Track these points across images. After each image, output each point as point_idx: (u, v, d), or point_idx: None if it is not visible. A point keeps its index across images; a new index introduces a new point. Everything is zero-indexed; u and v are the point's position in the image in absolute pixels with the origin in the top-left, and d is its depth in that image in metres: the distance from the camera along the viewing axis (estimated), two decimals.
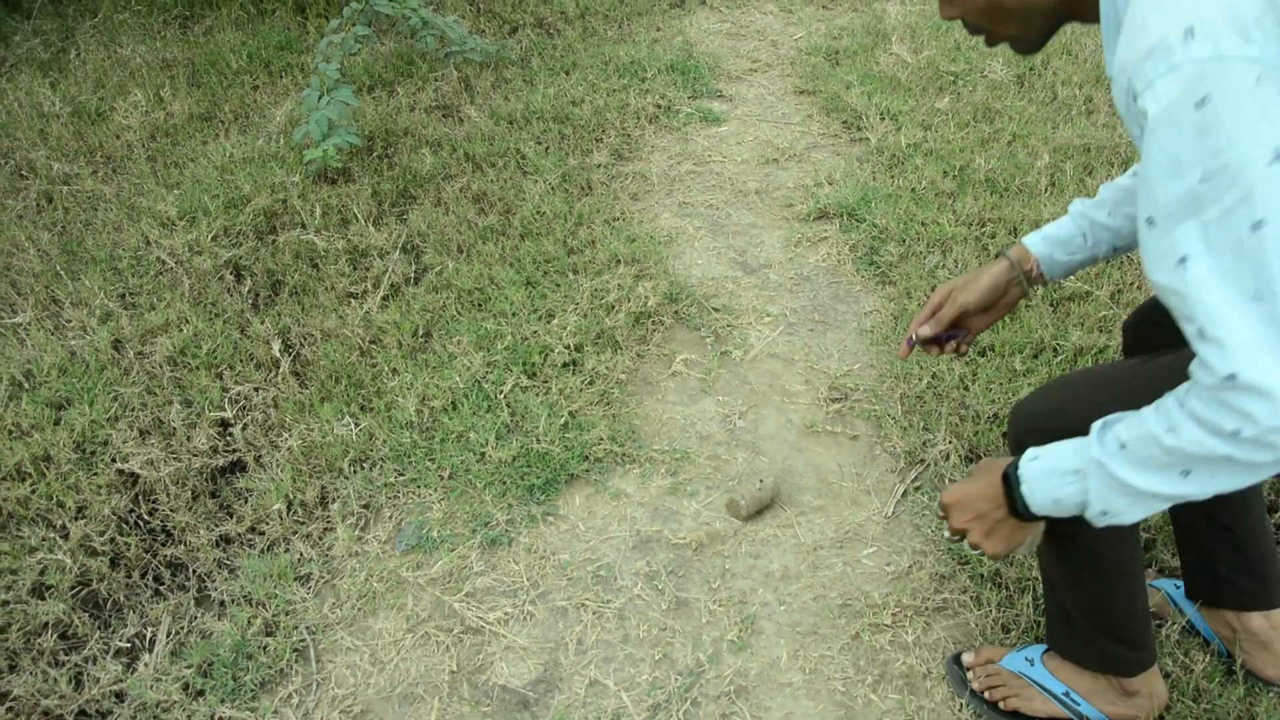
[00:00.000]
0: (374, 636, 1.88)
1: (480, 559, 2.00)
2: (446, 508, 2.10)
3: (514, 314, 2.52)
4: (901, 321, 2.50)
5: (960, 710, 1.72)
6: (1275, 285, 0.95)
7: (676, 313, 2.58)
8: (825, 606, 1.89)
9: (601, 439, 2.21)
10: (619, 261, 2.70)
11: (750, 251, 2.83)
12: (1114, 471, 1.15)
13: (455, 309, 2.57)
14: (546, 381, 2.35)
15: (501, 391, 2.30)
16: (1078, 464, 1.20)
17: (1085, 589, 1.53)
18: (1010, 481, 1.30)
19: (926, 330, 1.62)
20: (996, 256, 1.61)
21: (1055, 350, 2.37)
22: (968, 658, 1.77)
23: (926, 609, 1.87)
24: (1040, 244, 1.59)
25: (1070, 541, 1.46)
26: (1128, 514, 1.18)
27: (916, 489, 2.11)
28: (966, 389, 2.28)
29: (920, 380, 2.31)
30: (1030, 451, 1.27)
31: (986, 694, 1.72)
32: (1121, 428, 1.15)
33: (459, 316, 2.55)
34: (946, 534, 1.73)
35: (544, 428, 2.21)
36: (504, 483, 2.13)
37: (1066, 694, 1.68)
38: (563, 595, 1.93)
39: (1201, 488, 1.10)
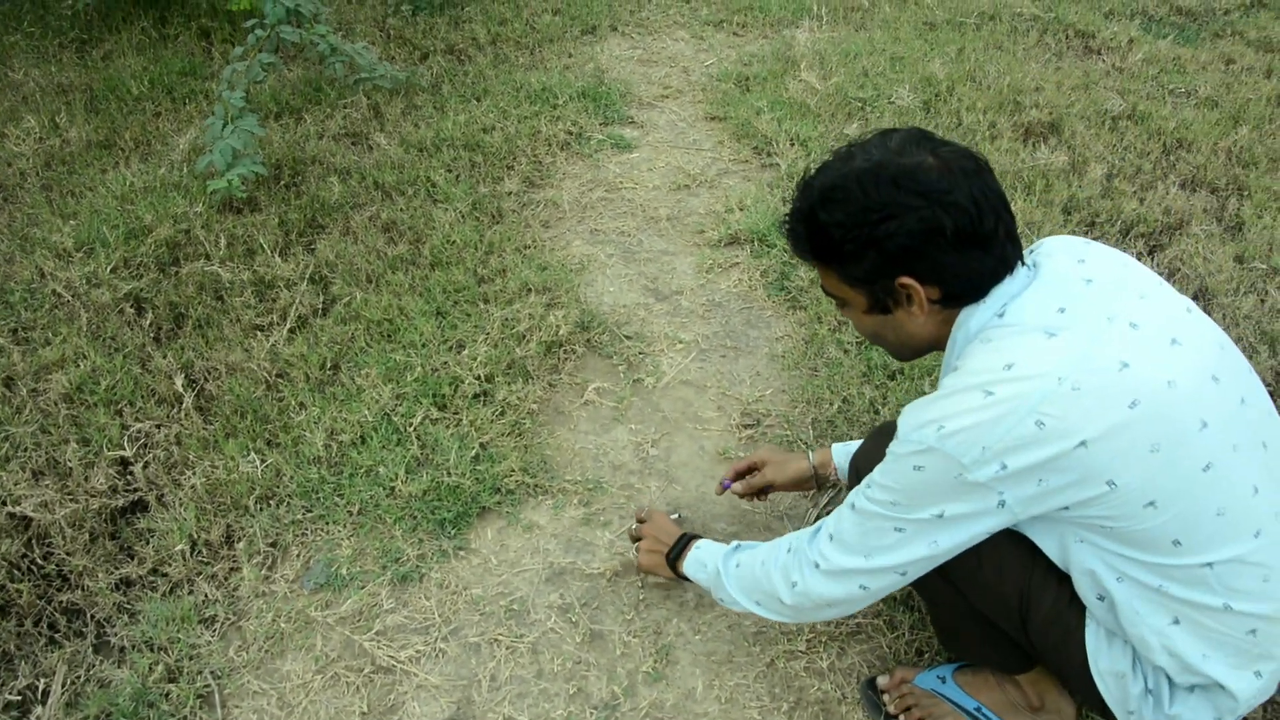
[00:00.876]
0: (282, 679, 1.83)
1: (391, 596, 1.97)
2: (356, 544, 2.07)
3: (424, 345, 2.50)
4: (812, 346, 2.54)
5: None
6: (875, 552, 1.41)
7: (588, 341, 2.58)
8: (740, 635, 1.90)
9: (513, 470, 2.19)
10: (530, 290, 2.70)
11: (662, 278, 2.85)
12: (724, 583, 1.65)
13: (364, 340, 2.53)
14: (457, 413, 2.33)
15: (411, 424, 2.28)
16: (709, 565, 1.71)
17: (952, 602, 1.58)
18: (682, 544, 1.81)
19: (739, 487, 2.04)
20: (809, 447, 2.11)
21: None
22: (882, 680, 1.80)
23: (840, 634, 1.89)
24: (842, 456, 1.98)
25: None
26: (733, 608, 1.66)
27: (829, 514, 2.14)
28: (877, 413, 2.31)
29: (831, 405, 2.35)
30: (700, 542, 1.79)
31: (901, 717, 1.74)
32: (745, 554, 1.65)
33: (368, 348, 2.51)
34: (632, 530, 1.96)
35: (455, 460, 2.19)
36: (414, 517, 2.10)
37: (978, 709, 1.72)
38: (475, 631, 1.91)
39: (763, 614, 1.60)
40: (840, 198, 1.35)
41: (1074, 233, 2.89)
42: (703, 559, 1.74)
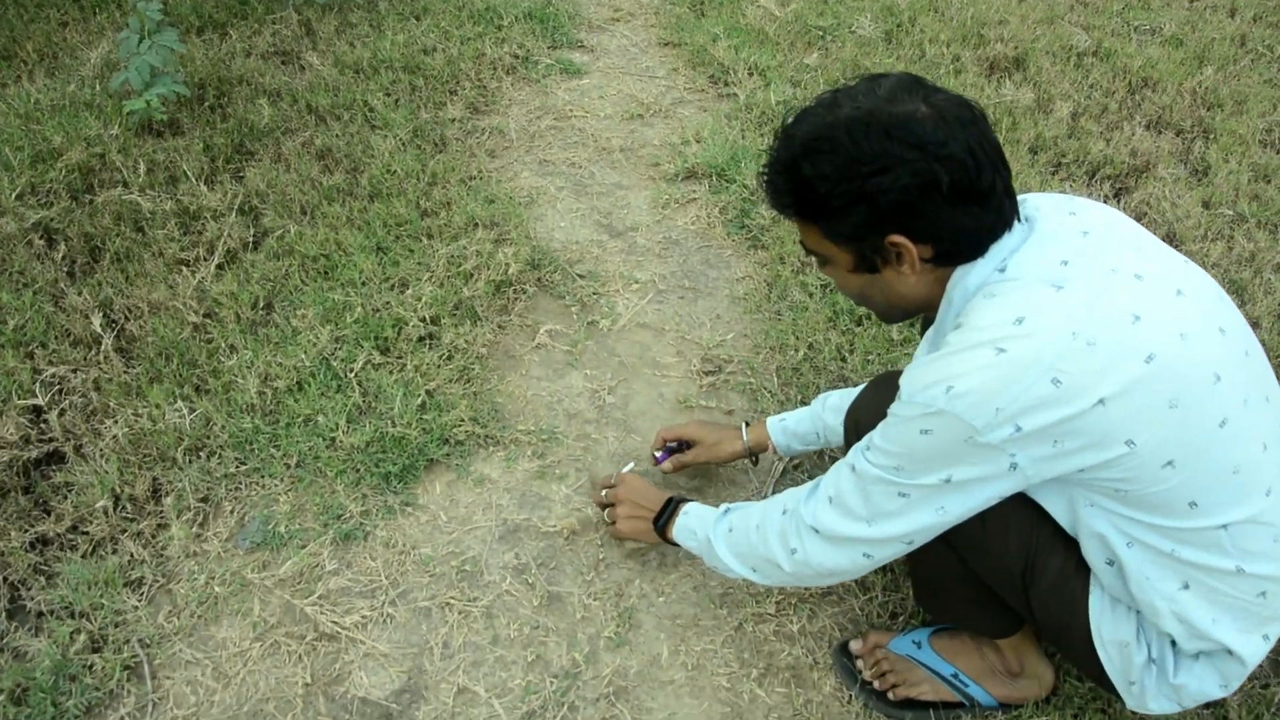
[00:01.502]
0: (217, 647, 1.71)
1: (333, 556, 1.84)
2: (294, 500, 1.93)
3: (364, 283, 2.34)
4: (775, 289, 2.43)
5: (850, 703, 1.67)
6: (878, 518, 1.33)
7: (539, 280, 2.44)
8: (706, 597, 1.82)
9: (462, 420, 2.06)
10: (477, 225, 2.54)
11: (616, 213, 2.71)
12: (716, 548, 1.57)
13: (299, 278, 2.36)
14: (401, 358, 2.18)
15: (352, 369, 2.13)
16: (700, 532, 1.62)
17: (943, 565, 1.50)
18: (670, 509, 1.72)
19: (668, 465, 1.99)
20: (744, 423, 1.97)
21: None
22: (855, 645, 1.73)
23: (811, 596, 1.82)
24: (780, 434, 1.91)
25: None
26: (728, 575, 1.58)
27: (795, 467, 2.05)
28: (844, 360, 2.22)
29: (796, 352, 2.25)
30: (689, 506, 1.69)
31: (876, 683, 1.68)
32: (737, 516, 1.57)
33: (303, 286, 2.34)
34: (600, 494, 1.88)
35: (399, 409, 2.05)
36: (357, 470, 1.97)
37: (955, 675, 1.66)
38: (425, 594, 1.79)
39: (760, 580, 1.54)
40: (827, 149, 1.23)
41: (1041, 174, 2.80)
42: (692, 526, 1.65)
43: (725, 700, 1.67)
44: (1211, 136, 3.02)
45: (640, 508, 1.77)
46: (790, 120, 1.31)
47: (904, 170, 1.20)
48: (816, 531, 1.39)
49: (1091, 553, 1.33)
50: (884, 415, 1.34)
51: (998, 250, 1.27)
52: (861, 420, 1.50)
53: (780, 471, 2.01)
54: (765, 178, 1.33)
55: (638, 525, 1.77)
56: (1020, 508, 1.35)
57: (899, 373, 1.54)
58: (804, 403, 2.14)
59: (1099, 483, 1.24)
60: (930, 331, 1.40)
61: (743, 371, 2.25)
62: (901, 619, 1.79)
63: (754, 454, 1.96)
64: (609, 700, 1.65)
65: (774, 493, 2.00)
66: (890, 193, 1.21)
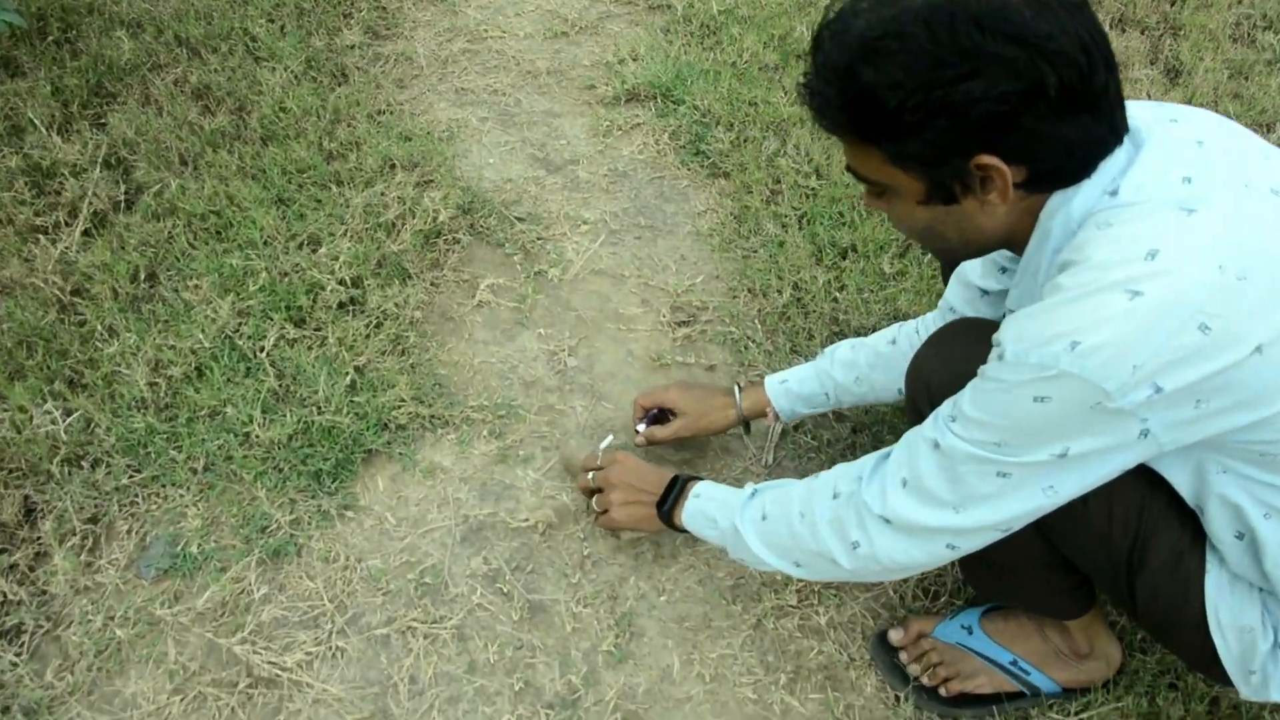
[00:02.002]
0: (125, 706, 1.37)
1: (262, 579, 1.51)
2: (206, 512, 1.58)
3: (266, 243, 1.96)
4: (744, 223, 2.13)
5: (898, 704, 1.43)
6: (970, 504, 1.06)
7: (473, 227, 2.10)
8: (714, 591, 1.54)
9: (401, 400, 1.73)
10: (394, 166, 2.17)
11: (551, 145, 2.36)
12: (746, 540, 1.29)
13: (186, 240, 1.97)
14: (320, 329, 1.83)
15: (262, 348, 1.77)
16: (722, 521, 1.34)
17: (1017, 543, 1.25)
18: (676, 491, 1.43)
19: (641, 439, 1.69)
20: (736, 386, 1.70)
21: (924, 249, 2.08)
22: (895, 635, 1.49)
23: (833, 581, 1.56)
24: (783, 397, 1.65)
25: None
26: (760, 568, 1.31)
27: (797, 429, 1.78)
28: (835, 300, 1.95)
29: (780, 293, 1.97)
30: (700, 487, 1.40)
31: (925, 678, 1.44)
32: (770, 498, 1.29)
33: (192, 250, 1.96)
34: (586, 477, 1.57)
35: (325, 392, 1.71)
36: (280, 470, 1.63)
37: (1014, 663, 1.43)
38: (380, 617, 1.48)
39: (806, 575, 1.27)
40: (896, 48, 0.94)
41: None
42: (710, 512, 1.36)
43: (753, 715, 1.41)
44: (1180, 33, 2.81)
45: (638, 491, 1.47)
46: (835, 14, 1.01)
47: (1001, 72, 0.92)
48: (887, 522, 1.12)
49: (1218, 525, 1.09)
50: (961, 376, 1.07)
51: (1106, 169, 1.00)
52: (934, 383, 1.21)
53: (779, 434, 1.74)
54: (809, 90, 1.03)
55: (636, 512, 1.47)
56: (1130, 477, 1.10)
57: (970, 323, 1.27)
58: (795, 352, 1.88)
59: (1241, 446, 1.00)
60: (1019, 273, 1.13)
61: (720, 320, 1.96)
62: (942, 600, 1.55)
63: (748, 422, 1.69)
64: None
65: (775, 461, 1.74)
66: (983, 102, 0.93)
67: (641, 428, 1.68)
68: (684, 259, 2.09)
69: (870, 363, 1.57)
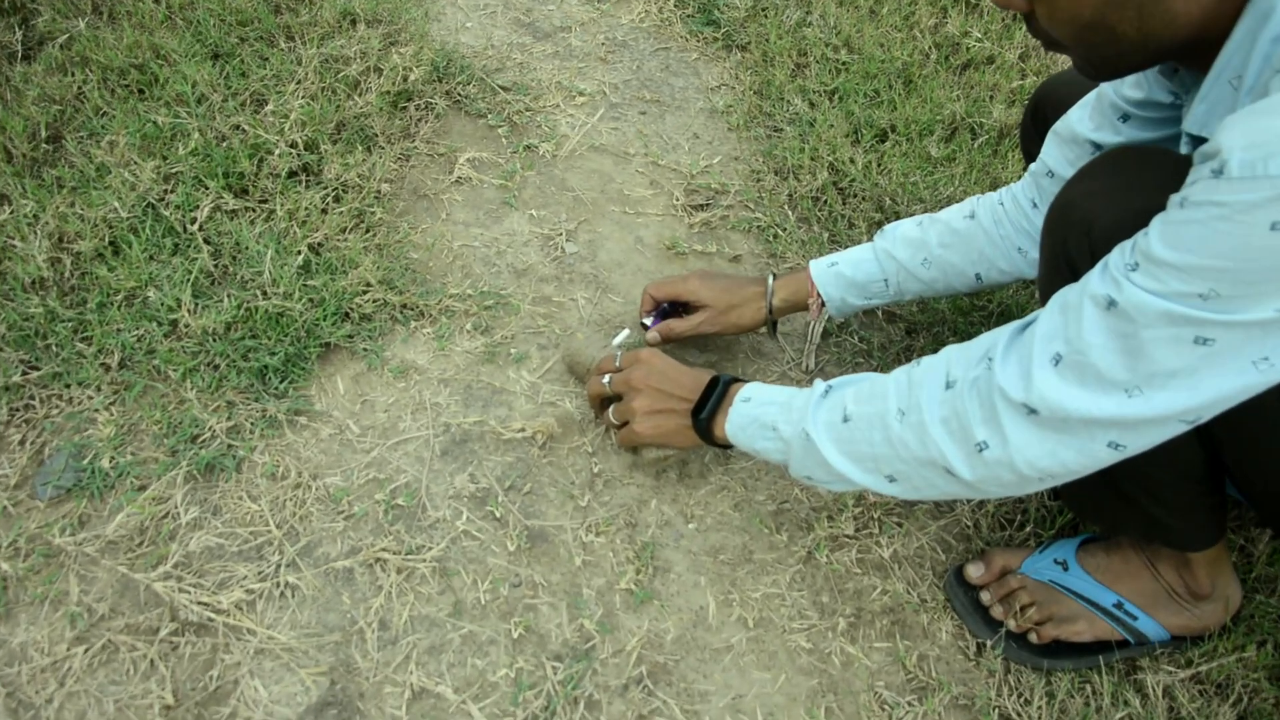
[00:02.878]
0: (12, 660, 1.06)
1: (191, 499, 1.20)
2: (121, 417, 1.26)
3: (200, 100, 1.62)
4: (766, 99, 1.83)
5: (981, 654, 1.16)
6: (1150, 383, 0.79)
7: (449, 94, 1.77)
8: (754, 517, 1.26)
9: (366, 284, 1.42)
10: (355, 21, 1.83)
11: (538, 10, 2.03)
12: (820, 448, 1.00)
13: (100, 96, 1.62)
14: (266, 200, 1.50)
15: (194, 219, 1.44)
16: (786, 427, 1.05)
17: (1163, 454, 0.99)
18: (717, 395, 1.14)
19: (654, 335, 1.40)
20: (771, 276, 1.39)
21: (974, 130, 1.79)
22: (975, 571, 1.21)
23: (899, 505, 1.29)
24: (831, 283, 1.35)
25: None
26: (833, 488, 1.05)
27: (840, 329, 1.49)
28: (877, 185, 1.66)
29: (814, 175, 1.67)
30: (749, 389, 1.11)
31: (1011, 622, 1.17)
32: (852, 394, 1.01)
33: (108, 109, 1.61)
34: (601, 381, 1.25)
35: (272, 272, 1.39)
36: (216, 366, 1.31)
37: (1119, 605, 1.17)
38: (342, 547, 1.18)
39: (901, 493, 0.99)
40: None
41: None
42: (767, 417, 1.06)
43: (808, 668, 1.14)
44: None
45: (668, 397, 1.18)
46: None
47: None
48: (1032, 412, 0.83)
49: None
50: (1140, 213, 0.79)
51: None
52: (1099, 224, 0.89)
53: (820, 333, 1.45)
54: None
55: (665, 424, 1.18)
56: None
57: (1137, 150, 0.97)
58: (835, 242, 1.59)
59: None
60: (1208, 83, 0.84)
61: (743, 204, 1.66)
62: (1027, 530, 1.28)
63: (774, 322, 1.40)
64: (643, 687, 1.09)
65: (818, 366, 1.45)
66: None
67: (650, 321, 1.38)
68: (697, 137, 1.78)
69: (943, 240, 1.28)
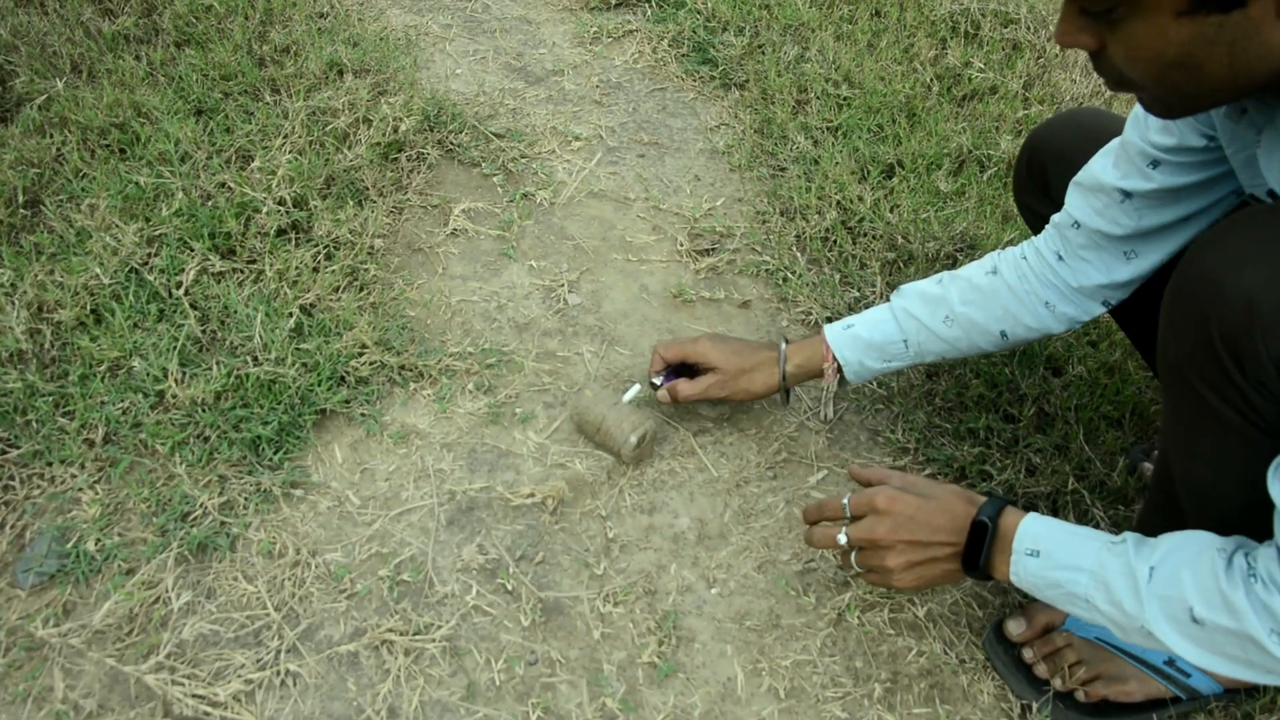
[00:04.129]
0: None
1: (183, 583, 1.13)
2: (107, 496, 1.19)
3: (184, 159, 1.56)
4: (767, 138, 1.78)
5: (1027, 716, 1.09)
6: None
7: (441, 143, 1.72)
8: (779, 579, 1.19)
9: (362, 346, 1.36)
10: (342, 72, 1.78)
11: (529, 54, 1.98)
12: (1168, 643, 0.87)
13: (80, 158, 1.56)
14: (254, 260, 1.44)
15: (179, 283, 1.38)
16: (1104, 608, 0.91)
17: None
18: (989, 538, 0.98)
19: (664, 394, 1.33)
20: (783, 340, 1.31)
21: (982, 163, 1.74)
22: (1015, 628, 1.14)
23: None
24: (849, 346, 1.26)
25: None
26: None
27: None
28: (888, 223, 1.60)
29: (822, 215, 1.61)
30: (1031, 535, 0.96)
31: (1056, 681, 1.10)
32: (1197, 595, 0.84)
33: (88, 170, 1.55)
34: (834, 537, 1.06)
35: (263, 337, 1.32)
36: (205, 439, 1.24)
37: (1169, 662, 1.10)
38: (345, 629, 1.10)
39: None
40: None
41: None
42: (1074, 587, 0.93)
43: None
44: None
45: (927, 547, 1.01)
46: None
47: None
48: None
49: None
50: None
51: None
52: (1268, 303, 0.78)
53: (836, 384, 1.38)
54: None
55: (932, 573, 1.03)
56: None
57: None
58: (847, 283, 1.53)
59: None
60: None
61: (750, 248, 1.60)
62: None
63: (788, 390, 1.32)
64: None
65: (837, 415, 1.38)
66: None
67: (659, 380, 1.32)
68: (699, 179, 1.73)
69: (965, 297, 1.21)
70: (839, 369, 1.27)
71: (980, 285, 1.22)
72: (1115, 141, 1.10)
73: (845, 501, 1.05)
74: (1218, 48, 0.73)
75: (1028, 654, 1.14)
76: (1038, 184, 1.26)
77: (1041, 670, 1.12)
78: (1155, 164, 1.04)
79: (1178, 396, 0.92)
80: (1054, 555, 0.95)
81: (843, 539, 1.04)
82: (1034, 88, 1.93)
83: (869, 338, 1.25)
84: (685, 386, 1.30)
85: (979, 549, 0.98)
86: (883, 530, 1.01)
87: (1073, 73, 2.00)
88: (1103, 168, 1.11)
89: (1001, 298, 1.20)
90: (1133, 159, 1.06)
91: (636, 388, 1.28)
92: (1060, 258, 1.17)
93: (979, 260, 1.25)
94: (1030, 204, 1.30)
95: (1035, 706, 1.10)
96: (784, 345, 1.29)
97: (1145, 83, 0.79)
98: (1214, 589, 0.83)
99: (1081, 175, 1.14)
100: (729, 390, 1.29)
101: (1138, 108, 1.03)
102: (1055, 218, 1.19)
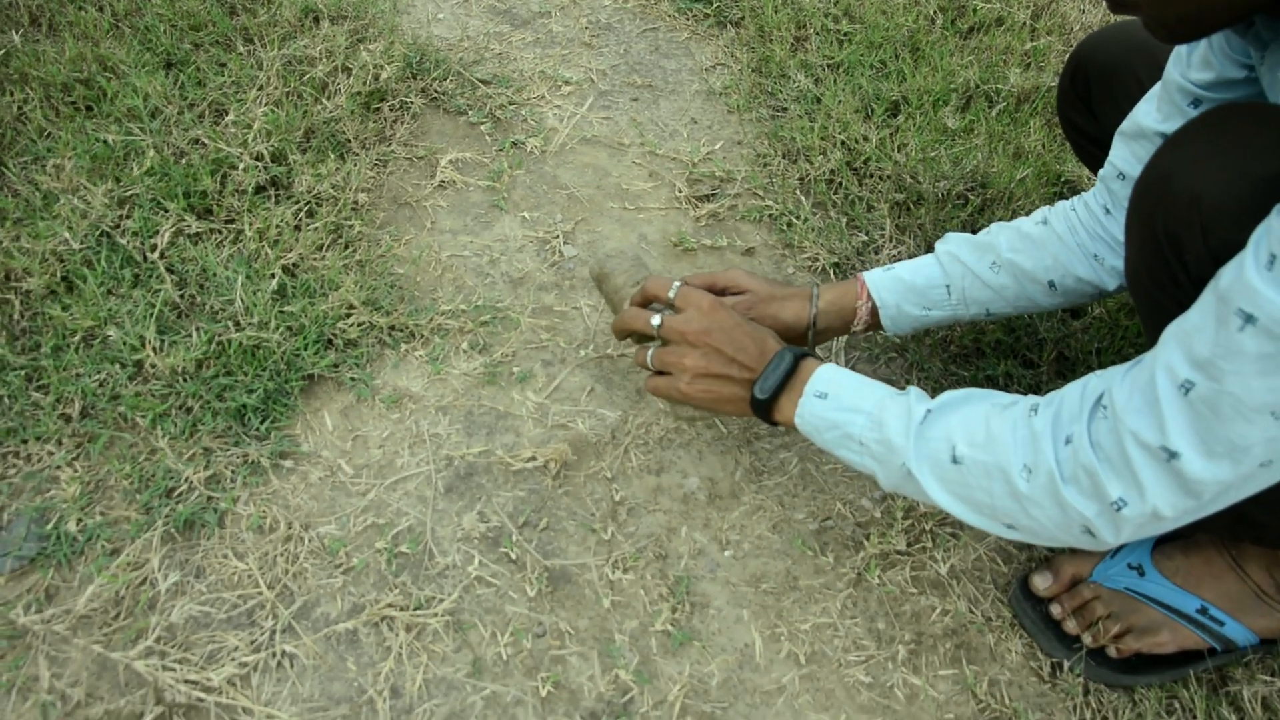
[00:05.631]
0: None
1: (170, 562, 1.07)
2: (86, 474, 1.13)
3: (154, 114, 1.48)
4: (766, 77, 1.70)
5: (1057, 674, 1.05)
6: None
7: (425, 91, 1.64)
8: (795, 538, 1.14)
9: (349, 307, 1.29)
10: (318, 18, 1.69)
11: None
12: (925, 486, 0.88)
13: (44, 116, 1.48)
14: (232, 220, 1.37)
15: (154, 246, 1.31)
16: (874, 447, 0.91)
17: None
18: (783, 371, 0.98)
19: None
20: (815, 284, 1.23)
21: (990, 98, 1.67)
22: (1041, 582, 1.10)
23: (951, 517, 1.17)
24: (889, 288, 1.18)
25: None
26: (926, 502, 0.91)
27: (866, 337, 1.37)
28: (896, 162, 1.53)
29: (826, 155, 1.54)
30: (823, 379, 0.96)
31: (1086, 636, 1.06)
32: (961, 431, 0.86)
33: (53, 129, 1.47)
34: (648, 318, 1.05)
35: (244, 300, 1.26)
36: (188, 410, 1.18)
37: (1203, 610, 1.05)
38: (342, 605, 1.05)
39: (1021, 539, 0.87)
40: None
41: None
42: (850, 428, 0.92)
43: (869, 705, 1.02)
44: None
45: (729, 361, 1.00)
46: None
47: None
48: (1174, 456, 0.71)
49: None
50: (1260, 182, 0.68)
51: None
52: (1209, 198, 0.74)
53: (843, 343, 1.32)
54: None
55: (719, 391, 1.01)
56: None
57: (1243, 107, 0.84)
58: (854, 227, 1.47)
59: None
60: None
61: (752, 192, 1.53)
62: None
63: (816, 331, 1.26)
64: None
65: (848, 364, 1.33)
66: None
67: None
68: (695, 122, 1.66)
69: (1013, 245, 1.14)
70: (873, 310, 1.20)
71: (1030, 234, 1.15)
72: (1156, 86, 1.04)
73: (672, 294, 1.05)
74: None
75: (1055, 609, 1.09)
76: (1081, 98, 1.19)
77: (1071, 626, 1.08)
78: (1197, 103, 0.98)
79: (1143, 308, 0.89)
80: (840, 397, 0.94)
81: (656, 320, 1.03)
82: (1042, 18, 1.85)
83: (911, 280, 1.17)
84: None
85: (770, 376, 0.98)
86: (695, 327, 1.01)
87: (1081, 1, 1.92)
88: (1146, 113, 1.05)
89: (1050, 246, 1.14)
90: (1174, 99, 1.00)
91: (677, 284, 1.18)
92: (1108, 211, 1.11)
93: (1028, 215, 1.19)
94: (1073, 119, 1.22)
95: (1067, 665, 1.05)
96: (817, 287, 1.22)
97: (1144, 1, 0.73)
98: (981, 426, 0.85)
99: (1125, 124, 1.08)
100: (759, 313, 1.19)
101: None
102: (1101, 170, 1.13)
